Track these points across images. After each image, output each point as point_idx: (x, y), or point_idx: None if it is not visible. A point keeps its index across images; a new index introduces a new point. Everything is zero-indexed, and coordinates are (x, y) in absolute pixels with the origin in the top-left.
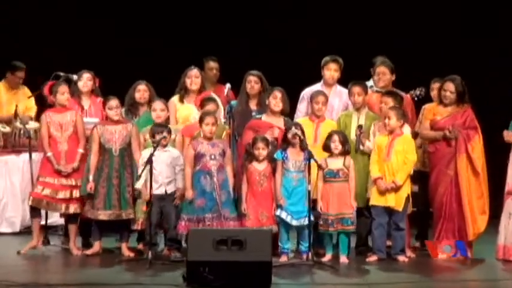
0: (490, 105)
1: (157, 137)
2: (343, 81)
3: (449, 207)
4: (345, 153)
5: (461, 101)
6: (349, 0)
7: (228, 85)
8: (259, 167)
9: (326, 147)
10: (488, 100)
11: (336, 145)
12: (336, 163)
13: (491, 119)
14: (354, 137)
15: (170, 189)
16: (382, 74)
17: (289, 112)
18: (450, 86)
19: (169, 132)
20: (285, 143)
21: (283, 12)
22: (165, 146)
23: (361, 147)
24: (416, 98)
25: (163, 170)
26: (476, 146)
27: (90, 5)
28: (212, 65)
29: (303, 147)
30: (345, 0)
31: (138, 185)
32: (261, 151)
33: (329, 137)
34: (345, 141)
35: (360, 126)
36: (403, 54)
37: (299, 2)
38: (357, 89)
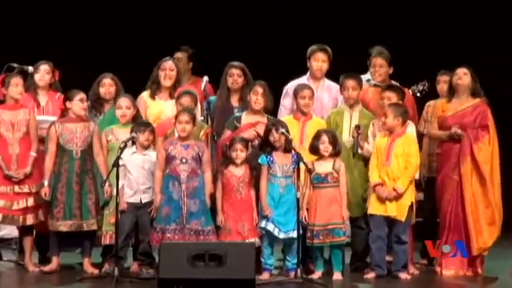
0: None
1: (139, 137)
2: (335, 76)
3: (455, 217)
4: (335, 155)
5: (473, 93)
6: (348, 0)
7: (205, 78)
8: (237, 172)
9: (313, 149)
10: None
11: (326, 146)
12: (324, 166)
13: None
14: (350, 139)
15: (146, 198)
16: (379, 66)
17: (272, 109)
18: (464, 71)
19: (153, 131)
20: (267, 145)
21: (283, 12)
22: (146, 148)
23: (359, 150)
24: (419, 94)
25: (139, 176)
26: (484, 148)
27: (89, 5)
28: (179, 55)
29: (291, 149)
30: (345, 1)
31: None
32: (239, 153)
33: (317, 137)
34: (335, 141)
35: (357, 127)
36: (402, 54)
37: (299, 2)
38: (351, 83)
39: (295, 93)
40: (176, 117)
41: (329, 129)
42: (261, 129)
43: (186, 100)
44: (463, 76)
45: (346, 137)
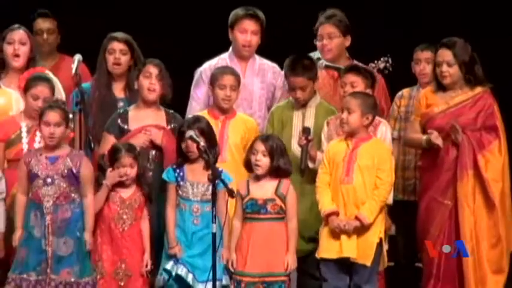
0: None
1: None
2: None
3: (446, 261)
4: (277, 172)
5: (470, 80)
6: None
7: (77, 57)
8: (124, 194)
9: (247, 164)
10: None
11: (258, 159)
12: (262, 189)
13: None
14: (298, 148)
15: None
16: (328, 37)
17: (171, 98)
18: (447, 55)
19: None
20: (182, 155)
21: (282, 11)
22: None
23: (309, 164)
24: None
25: None
26: (493, 159)
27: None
28: (41, 25)
29: (207, 160)
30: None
31: None
32: (128, 169)
33: (251, 145)
34: (274, 152)
35: (306, 130)
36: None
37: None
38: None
39: (212, 81)
40: (40, 116)
41: (269, 135)
42: (157, 134)
43: (41, 90)
44: (446, 70)
45: (295, 145)
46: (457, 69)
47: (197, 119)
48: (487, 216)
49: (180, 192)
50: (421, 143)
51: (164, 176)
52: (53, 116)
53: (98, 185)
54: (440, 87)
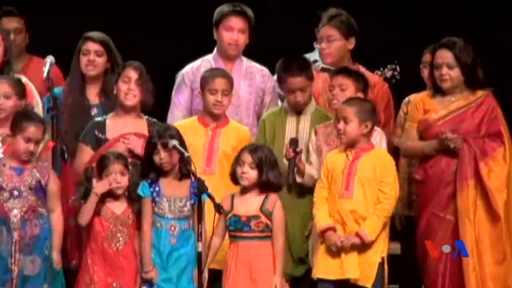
0: None
1: None
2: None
3: (451, 280)
4: (267, 187)
5: (471, 83)
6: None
7: (49, 59)
8: (117, 210)
9: (233, 176)
10: None
11: (244, 171)
12: (247, 205)
13: None
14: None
15: None
16: (327, 39)
17: (152, 105)
18: (447, 57)
19: None
20: (150, 167)
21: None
22: None
23: (297, 178)
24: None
25: None
26: (497, 168)
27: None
28: (7, 24)
29: (190, 173)
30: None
31: None
32: (118, 176)
33: (238, 155)
34: (263, 164)
35: (293, 142)
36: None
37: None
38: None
39: (202, 85)
40: (15, 126)
41: (258, 145)
42: (137, 143)
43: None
44: (446, 72)
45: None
46: (458, 72)
47: (168, 127)
48: (491, 229)
49: (155, 209)
50: (420, 152)
51: (139, 191)
52: (32, 131)
53: (85, 201)
54: (438, 91)
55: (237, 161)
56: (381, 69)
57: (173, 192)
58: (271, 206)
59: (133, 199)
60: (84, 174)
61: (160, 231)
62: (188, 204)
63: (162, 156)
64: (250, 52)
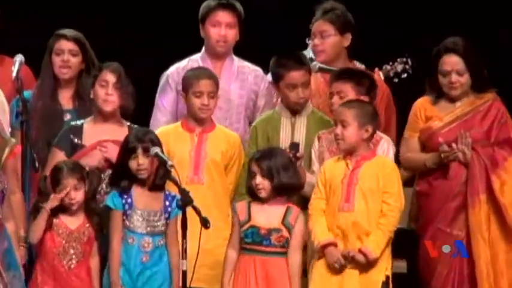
0: None
1: None
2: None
3: None
4: (284, 191)
5: (479, 87)
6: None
7: (18, 58)
8: (71, 224)
9: (250, 190)
10: None
11: (258, 182)
12: (267, 216)
13: None
14: None
15: None
16: (321, 34)
17: (133, 109)
18: (456, 63)
19: None
20: (123, 176)
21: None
22: None
23: None
24: (396, 79)
25: None
26: (511, 180)
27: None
28: None
29: (177, 183)
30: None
31: None
32: (71, 192)
33: (249, 167)
34: (272, 169)
35: (294, 146)
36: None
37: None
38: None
39: (185, 87)
40: None
41: (262, 151)
42: (115, 151)
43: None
44: (456, 79)
45: None
46: (467, 77)
47: (147, 131)
48: (506, 248)
49: (126, 222)
50: (421, 165)
51: (108, 202)
52: None
53: (34, 216)
54: (440, 96)
55: (249, 173)
56: (390, 63)
57: (146, 204)
58: (294, 219)
59: (92, 211)
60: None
61: (131, 248)
62: (163, 218)
63: (140, 162)
64: (248, 52)
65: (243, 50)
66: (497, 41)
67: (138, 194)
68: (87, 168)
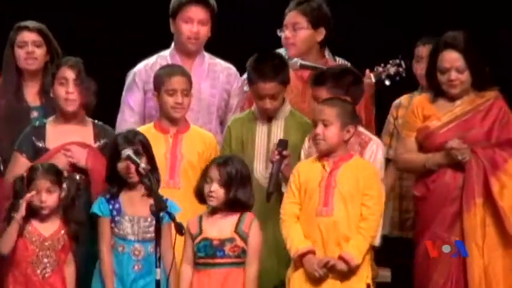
0: None
1: None
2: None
3: None
4: (234, 205)
5: (479, 85)
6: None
7: None
8: (44, 231)
9: (199, 194)
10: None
11: (212, 190)
12: (218, 227)
13: None
14: (266, 174)
15: None
16: (292, 26)
17: (94, 106)
18: (456, 60)
19: None
20: (115, 180)
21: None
22: None
23: (283, 187)
24: (388, 82)
25: None
26: (511, 183)
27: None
28: None
29: (149, 187)
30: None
31: None
32: (44, 194)
33: (206, 170)
34: (233, 179)
35: (282, 143)
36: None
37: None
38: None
39: (157, 85)
40: None
41: (229, 157)
42: (81, 154)
43: None
44: (455, 77)
45: (259, 169)
46: (468, 75)
47: (136, 132)
48: (503, 255)
49: (116, 230)
50: (420, 166)
51: (95, 209)
52: None
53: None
54: (438, 95)
55: (204, 176)
56: (382, 65)
57: (136, 210)
58: (247, 226)
59: (69, 219)
60: (12, 188)
61: (122, 256)
62: (152, 224)
63: (128, 165)
64: (243, 51)
65: (233, 47)
66: (497, 41)
67: (126, 199)
68: (65, 173)
